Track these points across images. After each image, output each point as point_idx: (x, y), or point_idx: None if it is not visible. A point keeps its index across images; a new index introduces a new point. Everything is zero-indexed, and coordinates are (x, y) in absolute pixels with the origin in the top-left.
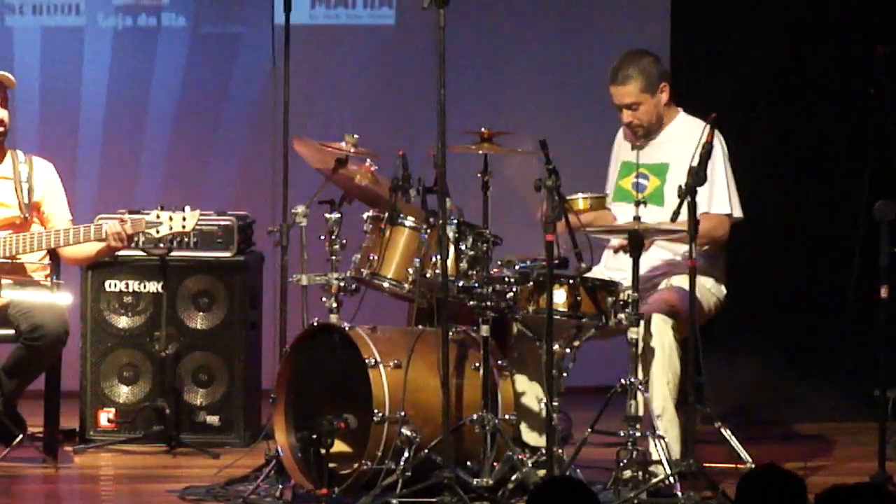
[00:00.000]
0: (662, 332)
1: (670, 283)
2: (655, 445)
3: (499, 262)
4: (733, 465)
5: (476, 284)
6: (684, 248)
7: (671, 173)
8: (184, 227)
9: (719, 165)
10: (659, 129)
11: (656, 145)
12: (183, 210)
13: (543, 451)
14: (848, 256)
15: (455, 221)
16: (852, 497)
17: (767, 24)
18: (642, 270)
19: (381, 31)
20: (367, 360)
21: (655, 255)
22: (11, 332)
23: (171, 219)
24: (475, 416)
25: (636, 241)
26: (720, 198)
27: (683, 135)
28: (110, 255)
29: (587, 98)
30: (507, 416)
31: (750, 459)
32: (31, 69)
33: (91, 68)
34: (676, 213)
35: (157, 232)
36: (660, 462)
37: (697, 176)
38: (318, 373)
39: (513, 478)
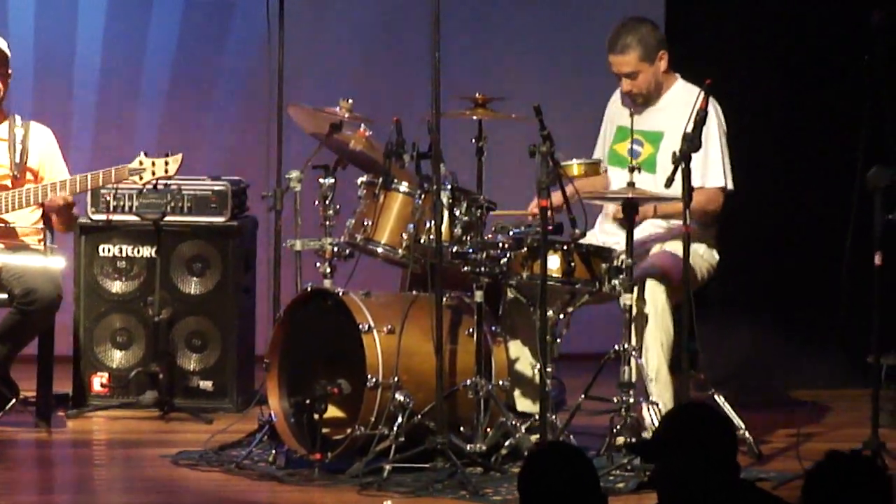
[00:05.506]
0: (655, 297)
1: (663, 248)
2: (649, 411)
3: (493, 228)
4: None
5: (470, 250)
6: (676, 220)
7: (665, 142)
8: (167, 171)
9: (713, 135)
10: (658, 96)
11: (653, 112)
12: (166, 155)
13: (536, 417)
14: (842, 223)
15: (449, 187)
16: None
17: None
18: (636, 237)
19: None
20: (360, 326)
21: (649, 222)
22: (5, 296)
23: (153, 164)
24: (468, 382)
25: (630, 207)
26: (715, 170)
27: (679, 103)
28: (66, 215)
29: (582, 63)
30: (500, 382)
31: (743, 426)
32: (26, 35)
33: (85, 34)
34: (671, 180)
35: (141, 178)
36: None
37: (692, 142)
38: (312, 338)
39: (506, 444)
